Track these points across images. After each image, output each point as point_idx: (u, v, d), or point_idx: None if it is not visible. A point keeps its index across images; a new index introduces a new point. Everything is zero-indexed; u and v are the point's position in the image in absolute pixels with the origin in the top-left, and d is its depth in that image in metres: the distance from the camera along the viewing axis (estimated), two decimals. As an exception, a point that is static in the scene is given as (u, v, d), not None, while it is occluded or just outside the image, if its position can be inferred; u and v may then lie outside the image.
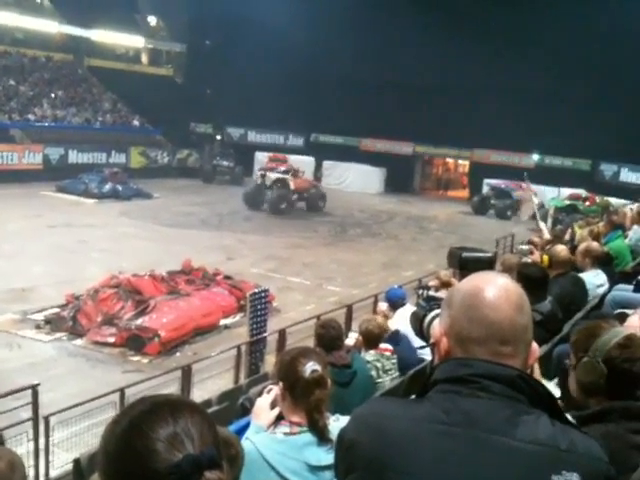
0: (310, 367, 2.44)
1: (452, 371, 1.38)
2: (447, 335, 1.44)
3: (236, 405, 5.67)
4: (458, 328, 1.41)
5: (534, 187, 18.23)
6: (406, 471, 1.27)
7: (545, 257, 5.69)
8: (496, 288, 1.42)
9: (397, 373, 5.19)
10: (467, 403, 1.32)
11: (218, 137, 42.59)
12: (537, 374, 2.20)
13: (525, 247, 7.46)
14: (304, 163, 37.95)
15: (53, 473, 7.04)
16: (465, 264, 2.74)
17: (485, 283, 1.44)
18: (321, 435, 2.38)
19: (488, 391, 1.33)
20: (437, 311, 2.30)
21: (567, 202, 28.32)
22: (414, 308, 6.72)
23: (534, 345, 1.46)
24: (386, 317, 6.22)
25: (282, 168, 30.01)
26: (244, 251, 19.80)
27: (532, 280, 4.15)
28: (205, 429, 1.09)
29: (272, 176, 28.96)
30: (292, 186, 28.83)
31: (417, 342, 5.96)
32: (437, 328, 1.49)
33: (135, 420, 1.08)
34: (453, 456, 1.27)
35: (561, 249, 5.84)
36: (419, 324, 2.18)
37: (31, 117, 34.34)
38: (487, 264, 2.81)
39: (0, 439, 3.13)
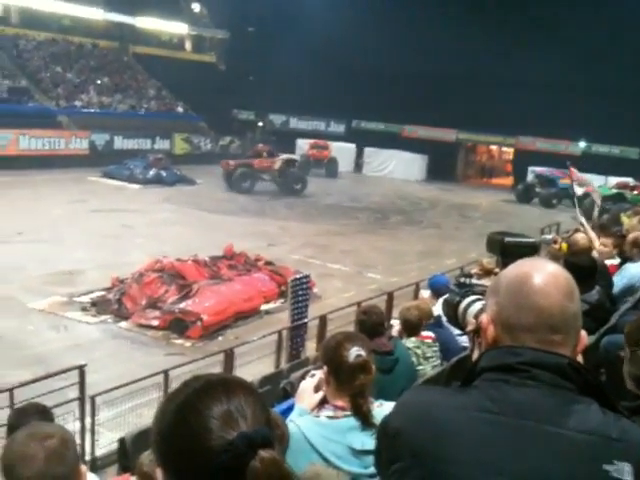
0: (355, 352, 2.44)
1: (500, 359, 1.35)
2: (494, 322, 1.41)
3: (277, 389, 5.74)
4: (506, 315, 1.39)
5: (580, 175, 17.73)
6: (454, 460, 1.25)
7: (564, 245, 5.59)
8: (545, 274, 1.39)
9: (439, 361, 5.15)
10: (516, 392, 1.30)
11: (260, 124, 42.78)
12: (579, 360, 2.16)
13: (549, 236, 7.32)
14: (345, 150, 37.97)
15: (98, 452, 7.23)
16: (506, 249, 2.68)
17: (533, 269, 1.41)
18: (365, 420, 2.38)
19: (537, 380, 1.30)
20: (472, 297, 2.26)
21: (614, 190, 27.69)
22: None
23: (583, 333, 1.43)
24: (431, 303, 6.17)
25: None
26: (284, 238, 19.89)
27: (580, 269, 4.07)
28: (258, 409, 1.10)
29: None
30: (255, 166, 29.17)
31: (458, 331, 5.93)
32: (483, 316, 1.46)
33: (189, 398, 1.09)
34: (502, 446, 1.25)
35: (580, 237, 5.73)
36: (452, 311, 2.14)
37: (77, 104, 34.99)
38: (530, 249, 2.75)
39: (50, 416, 3.20)
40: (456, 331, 5.94)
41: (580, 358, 2.21)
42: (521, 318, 1.36)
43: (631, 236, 5.85)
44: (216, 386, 1.11)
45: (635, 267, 5.54)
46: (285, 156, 30.23)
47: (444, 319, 5.85)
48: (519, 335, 1.36)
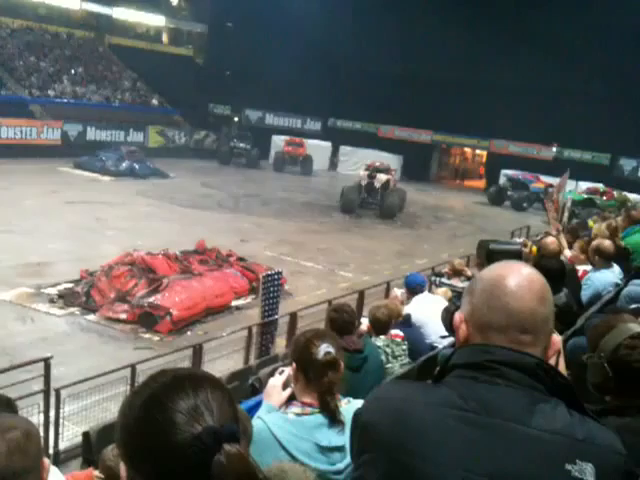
0: (324, 349, 2.44)
1: (471, 357, 1.37)
2: (467, 322, 1.43)
3: (245, 385, 5.72)
4: (479, 315, 1.41)
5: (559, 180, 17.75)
6: (422, 455, 1.27)
7: (534, 248, 5.66)
8: (519, 277, 1.41)
9: (407, 359, 5.18)
10: (484, 390, 1.31)
11: (236, 119, 42.60)
12: (562, 366, 2.19)
13: (518, 240, 7.41)
14: (321, 148, 37.97)
15: (62, 445, 7.13)
16: (492, 256, 2.72)
17: (508, 272, 1.43)
18: (332, 417, 2.38)
19: (506, 378, 1.32)
20: None
21: (585, 196, 28.10)
22: (432, 295, 6.71)
23: (555, 336, 1.44)
24: (401, 303, 6.20)
25: None
26: (259, 234, 19.84)
27: (549, 272, 4.10)
28: (225, 404, 1.09)
29: None
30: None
31: (431, 330, 5.96)
32: (457, 315, 1.48)
33: (156, 392, 1.08)
34: (469, 442, 1.26)
35: (551, 241, 5.80)
36: (450, 319, 2.16)
37: (51, 93, 34.50)
38: (514, 256, 2.78)
39: (14, 408, 3.15)
40: (430, 331, 5.99)
41: (562, 360, 2.23)
42: (492, 319, 1.38)
43: (593, 244, 5.91)
44: (183, 380, 1.10)
45: (599, 276, 5.60)
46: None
47: (413, 318, 5.91)
48: (490, 335, 1.38)
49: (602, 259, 5.69)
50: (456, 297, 5.59)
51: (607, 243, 5.81)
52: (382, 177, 26.44)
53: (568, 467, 1.25)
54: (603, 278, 5.57)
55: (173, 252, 14.38)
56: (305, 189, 30.51)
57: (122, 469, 1.10)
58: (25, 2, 38.01)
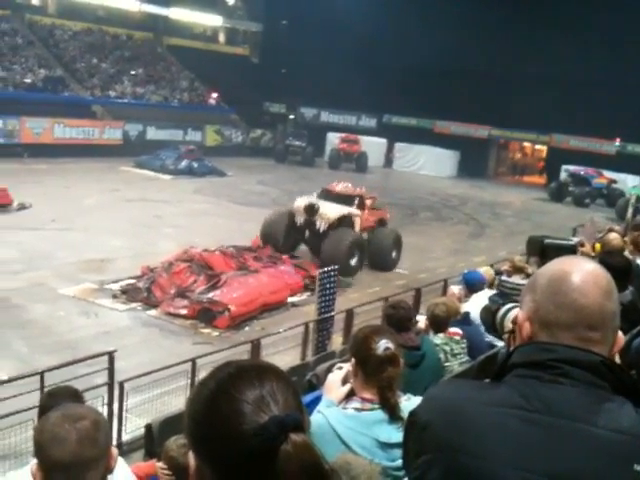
0: (383, 344, 2.44)
1: (532, 355, 1.34)
2: (531, 320, 1.40)
3: (303, 381, 5.74)
4: (544, 312, 1.38)
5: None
6: (482, 456, 1.24)
7: (597, 245, 5.51)
8: (584, 272, 1.38)
9: (466, 357, 5.12)
10: (547, 389, 1.28)
11: (291, 117, 42.83)
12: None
13: (575, 239, 7.21)
14: (376, 144, 37.82)
15: (125, 437, 7.32)
16: (546, 251, 2.68)
17: (572, 267, 1.39)
18: (392, 413, 2.37)
19: (570, 377, 1.29)
20: (511, 305, 2.24)
21: (648, 191, 27.20)
22: (490, 292, 6.60)
23: (620, 333, 1.41)
24: (459, 300, 6.13)
25: None
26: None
27: (614, 269, 4.00)
28: (290, 394, 1.11)
29: None
30: None
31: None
32: (519, 313, 1.45)
33: (222, 382, 1.11)
34: (532, 443, 1.24)
35: (613, 237, 5.63)
36: (491, 317, 2.13)
37: (112, 94, 35.36)
38: (569, 252, 2.74)
39: (81, 400, 3.25)
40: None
41: (617, 358, 2.18)
42: (560, 316, 1.35)
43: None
44: (249, 371, 1.12)
45: None
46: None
47: (472, 316, 5.83)
48: (557, 332, 1.35)
49: None
50: (498, 295, 5.49)
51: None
52: (330, 214, 16.04)
53: (637, 468, 1.21)
54: None
55: (229, 249, 14.58)
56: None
57: (190, 458, 1.13)
58: (85, 5, 39.00)
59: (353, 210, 16.51)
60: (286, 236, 16.01)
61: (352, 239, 15.36)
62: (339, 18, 36.51)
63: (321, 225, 15.75)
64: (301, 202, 16.24)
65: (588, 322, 1.34)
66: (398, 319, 4.01)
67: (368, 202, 17.64)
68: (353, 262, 15.25)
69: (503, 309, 2.13)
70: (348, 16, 35.87)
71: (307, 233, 16.09)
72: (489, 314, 2.15)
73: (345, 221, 16.10)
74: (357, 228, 16.28)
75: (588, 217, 14.80)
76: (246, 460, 1.03)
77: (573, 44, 31.71)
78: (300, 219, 16.04)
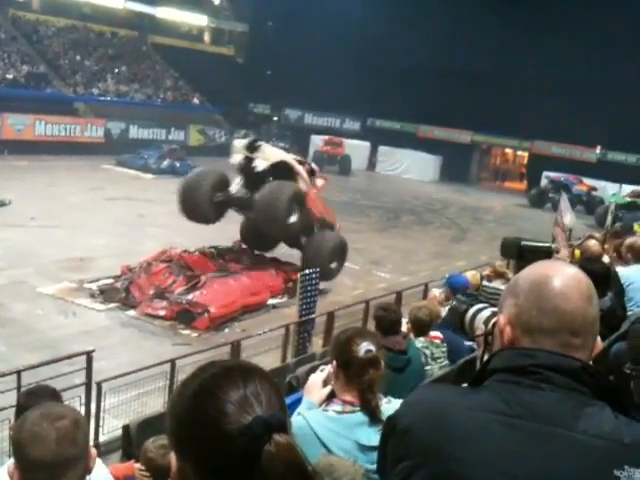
0: (365, 347, 2.44)
1: (513, 361, 1.34)
2: (512, 324, 1.39)
3: (283, 383, 5.74)
4: (526, 318, 1.37)
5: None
6: (466, 460, 1.24)
7: (577, 251, 5.56)
8: (566, 277, 1.37)
9: (446, 361, 5.13)
10: (528, 394, 1.28)
11: (275, 118, 42.78)
12: None
13: (553, 245, 7.26)
14: (359, 147, 37.90)
15: (102, 438, 7.25)
16: (523, 253, 2.69)
17: (554, 272, 1.39)
18: (373, 415, 2.37)
19: (550, 382, 1.29)
20: (480, 305, 2.25)
21: (628, 199, 27.49)
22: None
23: (597, 339, 1.42)
24: (440, 304, 6.14)
25: None
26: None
27: (594, 275, 4.03)
28: (273, 395, 1.10)
29: None
30: None
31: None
32: (500, 317, 1.45)
33: (206, 382, 1.10)
34: (515, 448, 1.23)
35: (592, 244, 5.69)
36: (459, 318, 2.13)
37: (95, 91, 35.11)
38: (545, 254, 2.75)
39: (60, 399, 3.22)
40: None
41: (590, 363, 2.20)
42: (543, 321, 1.35)
43: (628, 241, 5.78)
44: (232, 371, 1.12)
45: (625, 271, 5.46)
46: None
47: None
48: (539, 338, 1.35)
49: (635, 257, 5.54)
50: (466, 296, 5.51)
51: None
52: (272, 155, 14.43)
53: (617, 473, 1.21)
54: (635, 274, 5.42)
55: (209, 249, 14.50)
56: (342, 189, 30.43)
57: (172, 459, 1.12)
58: (70, 1, 38.73)
59: (300, 168, 14.45)
60: (210, 200, 14.05)
61: (292, 192, 13.34)
62: (325, 21, 36.54)
63: (261, 165, 13.83)
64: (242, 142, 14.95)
65: (571, 328, 1.34)
66: (388, 322, 4.00)
67: (319, 182, 15.36)
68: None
69: (472, 310, 2.13)
70: (333, 18, 35.92)
71: (240, 183, 14.27)
72: (457, 315, 2.14)
73: (287, 173, 13.99)
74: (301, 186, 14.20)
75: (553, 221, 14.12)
76: (229, 461, 1.03)
77: (557, 52, 32.05)
78: (238, 158, 14.27)
